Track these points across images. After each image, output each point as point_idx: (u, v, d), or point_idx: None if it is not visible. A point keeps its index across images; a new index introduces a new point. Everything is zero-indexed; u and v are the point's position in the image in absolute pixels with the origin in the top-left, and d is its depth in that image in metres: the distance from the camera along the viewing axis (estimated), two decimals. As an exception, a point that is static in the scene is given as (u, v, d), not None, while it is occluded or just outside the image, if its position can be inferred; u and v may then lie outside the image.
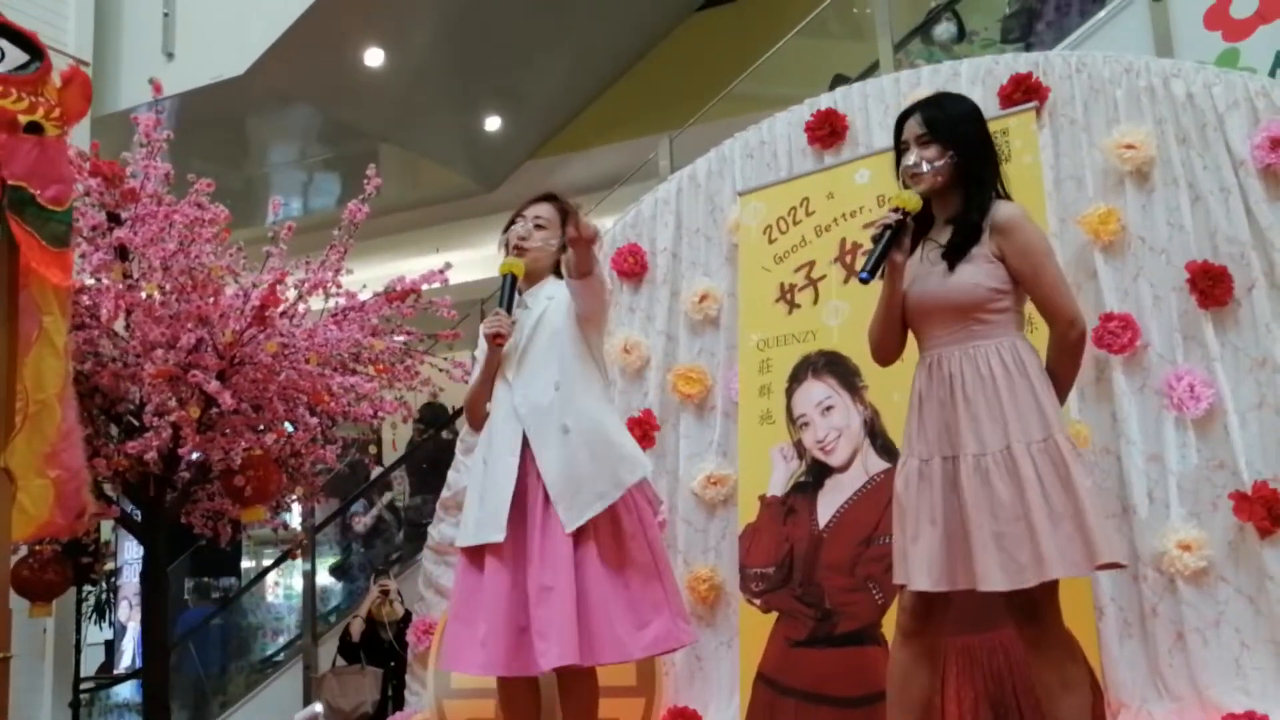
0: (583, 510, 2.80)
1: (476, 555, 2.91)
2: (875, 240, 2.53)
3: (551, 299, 3.03)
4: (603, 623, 2.76)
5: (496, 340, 2.87)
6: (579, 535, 2.80)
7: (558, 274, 3.11)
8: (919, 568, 2.49)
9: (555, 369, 2.93)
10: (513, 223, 3.08)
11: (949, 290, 2.56)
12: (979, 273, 2.55)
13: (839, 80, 5.30)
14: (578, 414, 2.89)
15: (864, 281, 2.54)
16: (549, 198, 3.13)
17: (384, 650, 5.34)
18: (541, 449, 2.87)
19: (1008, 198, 2.72)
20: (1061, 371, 2.61)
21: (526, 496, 2.86)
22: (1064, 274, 2.57)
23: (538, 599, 2.76)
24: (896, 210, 2.53)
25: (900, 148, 2.67)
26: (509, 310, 2.90)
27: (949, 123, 2.62)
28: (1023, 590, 2.42)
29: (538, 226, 3.05)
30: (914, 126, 2.63)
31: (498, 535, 2.83)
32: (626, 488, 2.84)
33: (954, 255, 2.56)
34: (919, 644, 2.58)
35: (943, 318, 2.58)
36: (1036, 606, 2.46)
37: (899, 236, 2.55)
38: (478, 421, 3.04)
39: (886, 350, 2.71)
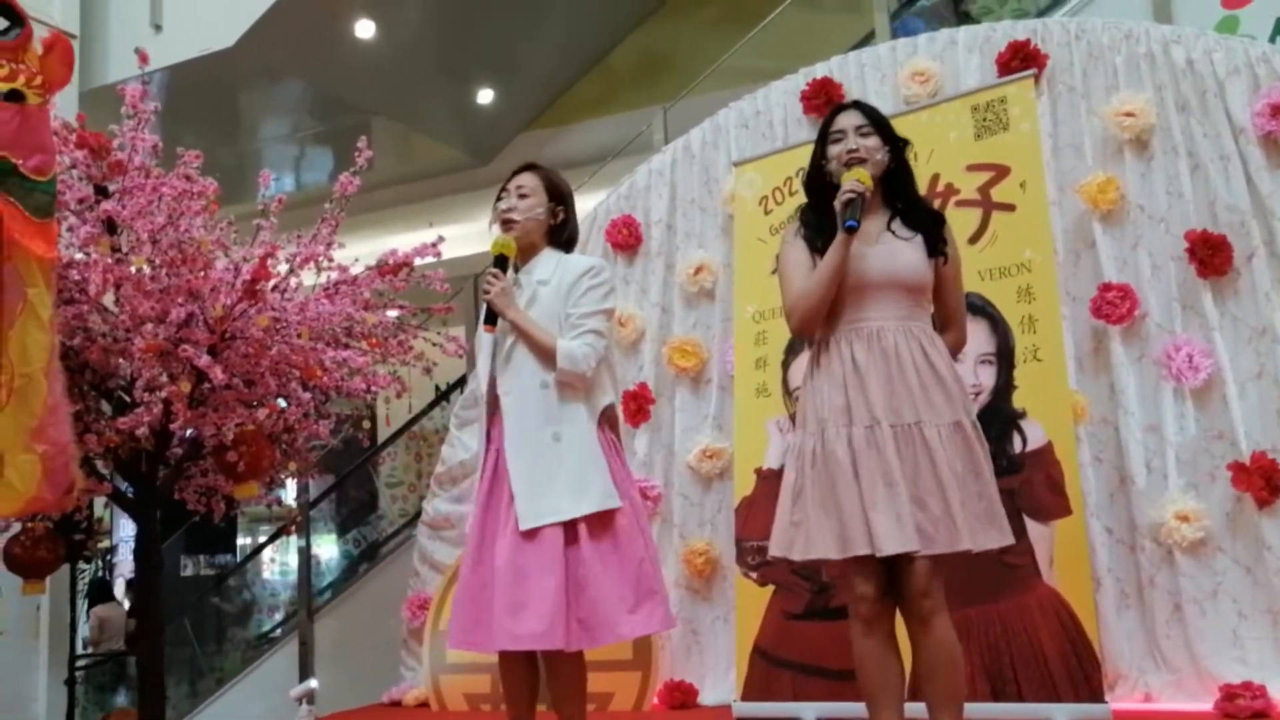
0: (541, 516, 2.76)
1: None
2: (847, 205, 2.59)
3: (544, 283, 2.93)
4: (598, 607, 2.73)
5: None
6: (571, 521, 2.78)
7: (554, 244, 3.02)
8: (888, 533, 2.44)
9: (543, 365, 2.85)
10: (499, 200, 3.02)
11: (902, 269, 2.65)
12: (925, 261, 2.68)
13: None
14: (571, 424, 2.84)
15: (850, 231, 2.57)
16: (529, 167, 3.07)
17: None
18: (519, 445, 2.82)
19: None
20: None
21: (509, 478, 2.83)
22: None
23: (514, 579, 2.72)
24: (859, 182, 2.61)
25: (834, 137, 2.74)
26: None
27: (886, 125, 2.75)
28: (932, 564, 2.46)
29: (521, 196, 2.97)
30: (854, 118, 2.74)
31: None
32: (590, 513, 2.78)
33: (931, 239, 2.68)
34: (882, 628, 2.56)
35: (890, 293, 2.64)
36: (933, 583, 2.47)
37: (864, 205, 2.63)
38: None
39: (818, 319, 2.68)
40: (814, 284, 2.63)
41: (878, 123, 2.73)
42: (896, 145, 2.73)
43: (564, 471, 2.79)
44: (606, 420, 2.94)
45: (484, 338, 2.93)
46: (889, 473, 2.48)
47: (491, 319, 2.87)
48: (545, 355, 2.83)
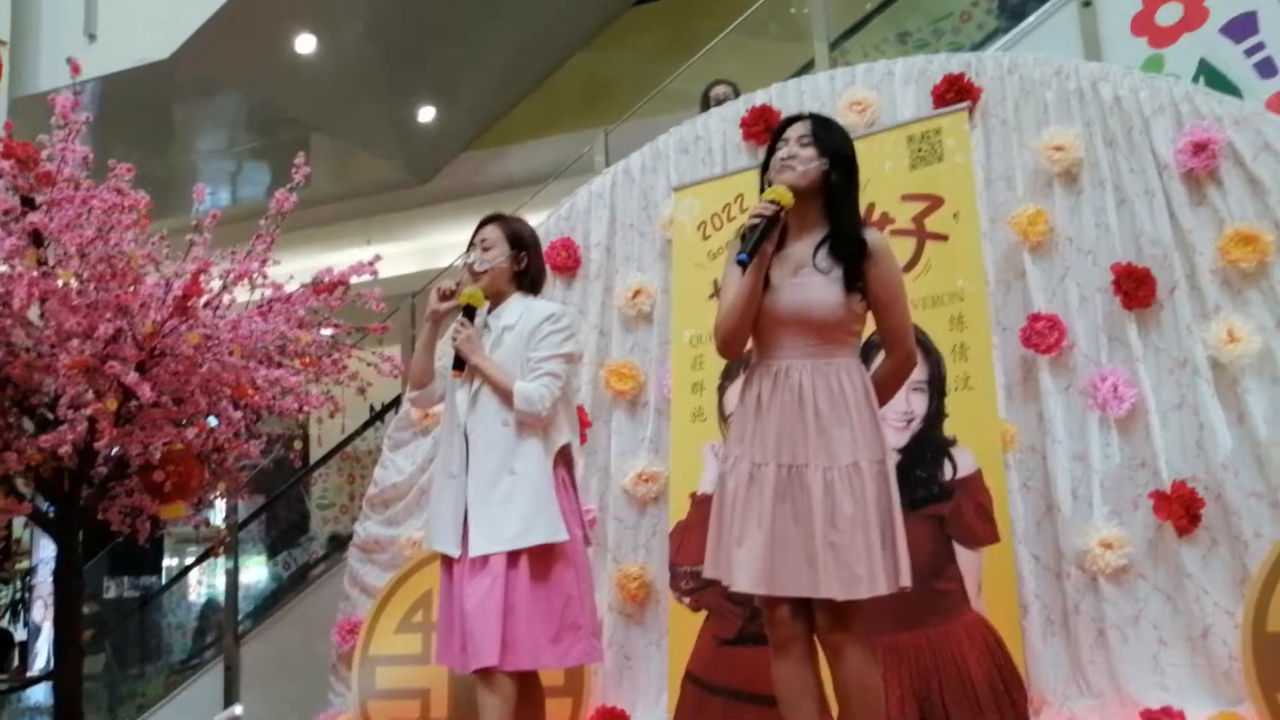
0: (494, 544, 3.01)
1: (446, 560, 3.15)
2: (751, 229, 2.55)
3: (510, 329, 3.18)
4: (523, 632, 2.95)
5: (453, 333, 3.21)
6: (515, 550, 3.01)
7: (520, 287, 3.27)
8: (743, 569, 2.54)
9: (504, 405, 3.09)
10: (467, 253, 3.29)
11: (814, 305, 2.60)
12: (841, 296, 2.60)
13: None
14: (526, 459, 3.06)
15: (742, 264, 2.54)
16: (491, 219, 3.31)
17: None
18: (480, 478, 3.07)
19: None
20: (886, 396, 2.73)
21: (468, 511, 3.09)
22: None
23: (466, 604, 2.99)
24: (773, 202, 2.57)
25: (779, 145, 2.73)
26: None
27: (831, 139, 2.70)
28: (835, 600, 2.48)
29: (484, 249, 3.24)
30: (799, 129, 2.72)
31: (454, 550, 3.08)
32: (536, 544, 3.01)
33: (850, 271, 2.60)
34: (798, 649, 2.60)
35: (801, 330, 2.62)
36: (845, 615, 2.52)
37: (773, 228, 2.58)
38: (415, 382, 3.36)
39: (740, 342, 2.70)
40: (727, 309, 2.65)
41: (819, 135, 2.67)
42: (841, 158, 2.67)
43: (516, 504, 3.02)
44: (562, 459, 3.16)
45: (452, 381, 3.23)
46: (761, 514, 2.55)
47: (459, 365, 3.16)
48: (505, 396, 3.08)
